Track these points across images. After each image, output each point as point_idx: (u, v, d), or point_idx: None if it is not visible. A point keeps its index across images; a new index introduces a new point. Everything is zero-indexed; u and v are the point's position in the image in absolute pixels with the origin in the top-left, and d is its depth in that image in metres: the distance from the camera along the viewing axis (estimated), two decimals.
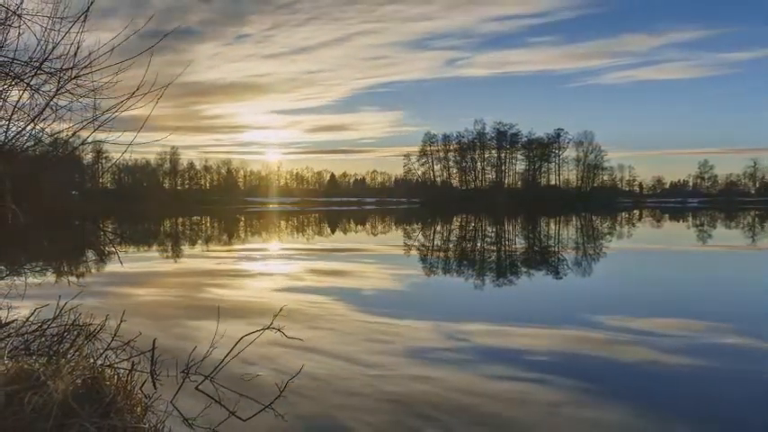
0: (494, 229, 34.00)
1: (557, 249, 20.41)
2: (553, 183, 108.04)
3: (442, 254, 19.57)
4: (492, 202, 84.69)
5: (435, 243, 24.91)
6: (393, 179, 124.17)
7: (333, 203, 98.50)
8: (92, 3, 4.64)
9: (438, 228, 36.50)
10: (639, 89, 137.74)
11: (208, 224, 42.37)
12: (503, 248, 21.68)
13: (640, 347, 6.74)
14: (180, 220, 47.55)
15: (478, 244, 23.96)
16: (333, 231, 32.98)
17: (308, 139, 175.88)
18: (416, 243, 24.60)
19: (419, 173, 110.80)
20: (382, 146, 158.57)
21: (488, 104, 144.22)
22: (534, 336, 7.37)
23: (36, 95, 5.14)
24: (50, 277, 12.62)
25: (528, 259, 17.44)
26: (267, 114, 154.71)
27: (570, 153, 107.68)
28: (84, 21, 4.73)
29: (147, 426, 3.13)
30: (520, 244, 24.10)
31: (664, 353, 6.49)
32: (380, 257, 17.93)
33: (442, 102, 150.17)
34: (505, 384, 5.50)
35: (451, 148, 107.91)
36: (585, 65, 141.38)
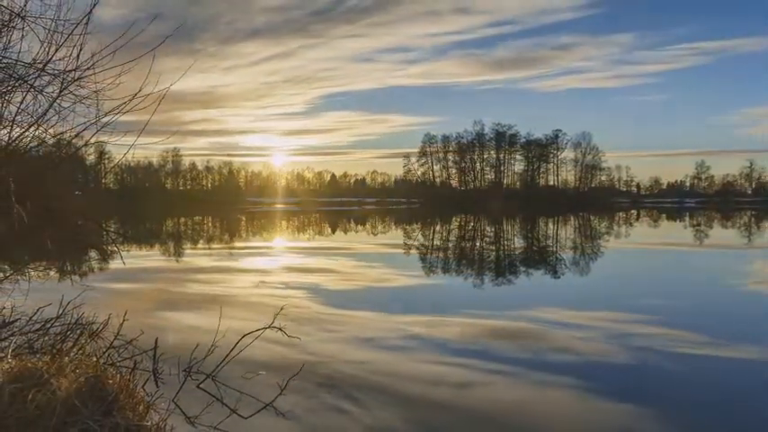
0: (492, 229, 34.00)
1: (554, 249, 20.42)
2: (551, 183, 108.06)
3: (439, 254, 19.58)
4: (491, 203, 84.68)
5: (434, 243, 24.91)
6: (393, 179, 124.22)
7: (333, 204, 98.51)
8: (94, 5, 4.65)
9: (437, 228, 36.50)
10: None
11: (209, 224, 42.38)
12: (501, 248, 21.68)
13: (554, 335, 7.32)
14: (182, 220, 47.55)
15: (477, 243, 23.96)
16: (333, 231, 32.99)
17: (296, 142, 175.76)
18: (415, 243, 24.60)
19: (419, 173, 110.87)
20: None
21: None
22: (474, 325, 7.69)
23: (39, 97, 5.15)
24: (54, 277, 12.63)
25: (526, 259, 17.45)
26: (256, 119, 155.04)
27: (568, 154, 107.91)
28: (87, 23, 4.74)
29: (149, 424, 3.14)
30: (518, 244, 24.11)
31: (572, 341, 6.97)
32: (380, 257, 17.94)
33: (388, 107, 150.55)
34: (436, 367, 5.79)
35: (451, 148, 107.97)
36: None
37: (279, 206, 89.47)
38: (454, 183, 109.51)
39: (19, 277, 9.71)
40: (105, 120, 5.02)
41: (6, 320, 5.75)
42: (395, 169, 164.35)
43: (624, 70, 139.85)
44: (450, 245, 23.64)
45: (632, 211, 66.10)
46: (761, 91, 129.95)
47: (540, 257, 17.77)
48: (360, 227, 37.12)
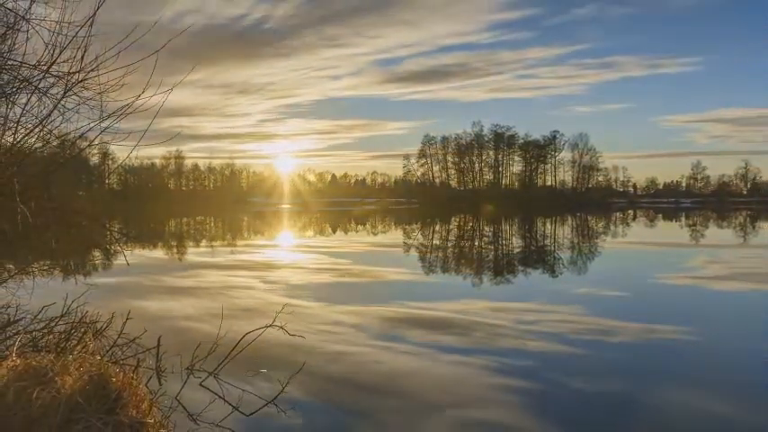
0: (490, 229, 34.00)
1: (552, 249, 20.42)
2: (549, 183, 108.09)
3: (438, 253, 19.58)
4: (489, 203, 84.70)
5: (433, 243, 24.91)
6: (393, 180, 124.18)
7: (334, 204, 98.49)
8: (98, 7, 4.64)
9: (436, 228, 36.50)
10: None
11: (211, 224, 42.37)
12: (500, 248, 21.68)
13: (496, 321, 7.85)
14: (184, 219, 47.54)
15: (475, 243, 23.96)
16: (334, 231, 32.98)
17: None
18: (415, 242, 24.61)
19: (418, 174, 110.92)
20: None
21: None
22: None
23: (44, 98, 5.14)
24: (58, 276, 12.63)
25: (524, 259, 17.45)
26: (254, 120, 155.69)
27: (566, 155, 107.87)
28: (91, 25, 4.73)
29: (152, 421, 3.13)
30: (515, 244, 24.11)
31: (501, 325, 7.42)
32: (380, 257, 17.95)
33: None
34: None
35: (450, 149, 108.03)
36: None
37: (280, 206, 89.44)
38: (453, 183, 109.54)
39: (23, 276, 9.71)
40: (109, 121, 5.01)
41: (11, 319, 5.75)
42: (395, 170, 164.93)
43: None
44: (450, 244, 23.64)
45: (629, 212, 66.09)
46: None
47: (537, 257, 17.78)
48: (360, 227, 37.12)
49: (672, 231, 31.94)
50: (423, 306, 9.19)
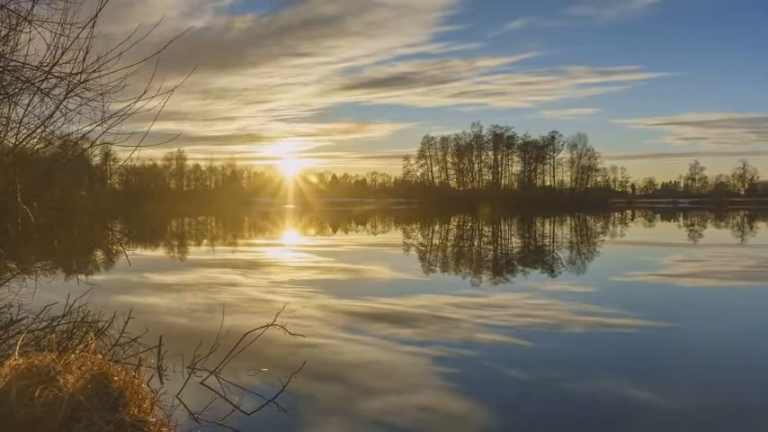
0: (489, 229, 34.00)
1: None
2: (548, 184, 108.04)
3: (438, 253, 19.58)
4: (489, 203, 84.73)
5: (433, 242, 24.91)
6: (393, 180, 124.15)
7: (334, 204, 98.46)
8: (100, 9, 4.65)
9: (436, 228, 36.49)
10: None
11: (213, 224, 42.37)
12: (499, 248, 21.69)
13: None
14: (186, 219, 47.53)
15: (474, 243, 23.97)
16: (334, 230, 32.98)
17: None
18: (414, 242, 24.61)
19: (418, 174, 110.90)
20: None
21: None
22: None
23: (46, 99, 5.14)
24: (60, 276, 12.62)
25: (522, 258, 17.46)
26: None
27: (564, 155, 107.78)
28: (93, 26, 4.74)
29: (153, 420, 3.13)
30: (514, 244, 24.12)
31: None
32: (381, 256, 17.94)
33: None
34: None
35: (449, 150, 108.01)
36: None
37: (281, 206, 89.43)
38: (453, 183, 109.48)
39: (26, 276, 9.70)
40: (111, 122, 5.02)
41: (13, 318, 5.75)
42: (395, 170, 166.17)
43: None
44: (449, 244, 23.64)
45: (627, 212, 66.08)
46: None
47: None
48: (360, 226, 37.11)
49: (667, 231, 31.95)
50: (394, 302, 9.46)
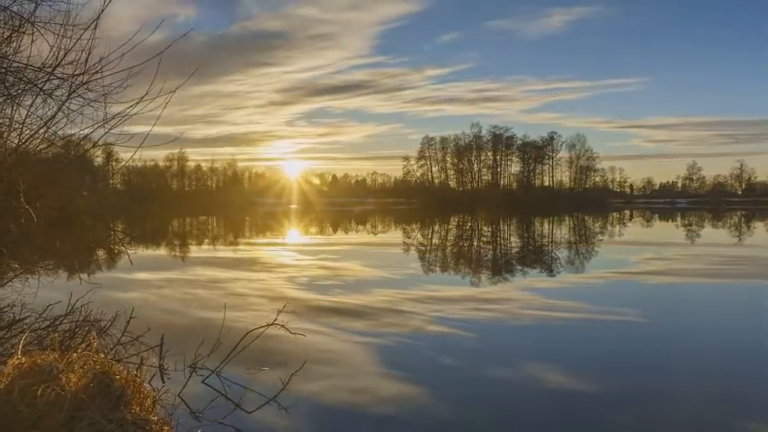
0: (488, 229, 34.00)
1: (549, 248, 20.43)
2: (547, 184, 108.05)
3: (437, 252, 19.58)
4: (488, 203, 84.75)
5: (432, 242, 24.91)
6: (393, 180, 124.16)
7: (335, 204, 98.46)
8: (102, 10, 4.65)
9: (435, 227, 36.48)
10: None
11: (214, 224, 42.36)
12: (498, 248, 21.69)
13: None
14: (187, 219, 47.52)
15: (474, 243, 23.97)
16: (335, 230, 32.98)
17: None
18: (414, 242, 24.61)
19: (417, 174, 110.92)
20: None
21: None
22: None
23: (48, 100, 5.14)
24: (62, 275, 12.63)
25: (521, 258, 17.46)
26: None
27: (563, 155, 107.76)
28: (95, 28, 4.73)
29: (155, 418, 3.13)
30: (512, 244, 24.12)
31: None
32: (381, 255, 17.93)
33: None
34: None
35: (449, 150, 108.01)
36: None
37: (282, 206, 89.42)
38: (452, 183, 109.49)
39: (28, 275, 9.70)
40: (112, 122, 5.01)
41: (16, 317, 5.75)
42: (395, 171, 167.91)
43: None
44: (448, 244, 23.64)
45: (625, 212, 66.06)
46: None
47: (535, 257, 17.80)
48: (360, 226, 37.11)
49: (664, 231, 31.94)
50: (359, 297, 9.80)
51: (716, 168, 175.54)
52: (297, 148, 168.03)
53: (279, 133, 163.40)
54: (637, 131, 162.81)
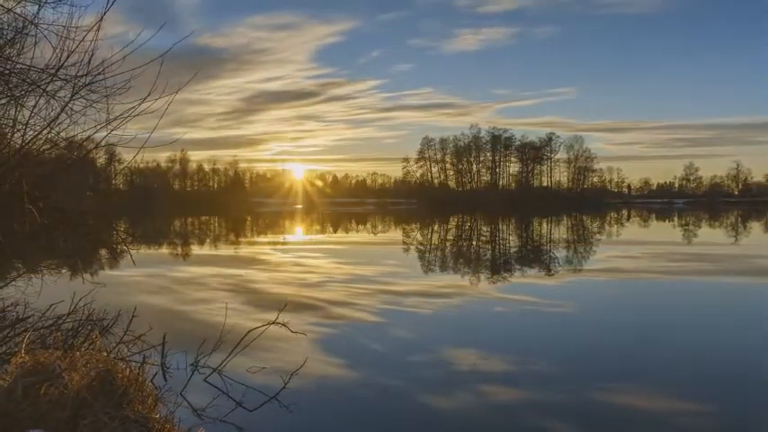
0: (487, 229, 33.99)
1: (548, 248, 20.43)
2: (545, 184, 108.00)
3: (437, 252, 19.58)
4: (487, 203, 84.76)
5: (432, 242, 24.90)
6: (393, 180, 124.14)
7: (335, 204, 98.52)
8: (105, 12, 4.64)
9: (435, 227, 36.48)
10: None
11: (216, 224, 42.35)
12: (497, 247, 21.69)
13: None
14: (189, 219, 47.52)
15: (473, 243, 23.97)
16: (335, 230, 32.97)
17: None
18: (414, 241, 24.61)
19: (417, 175, 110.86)
20: None
21: None
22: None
23: (52, 101, 5.13)
24: (65, 275, 12.62)
25: (520, 258, 17.46)
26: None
27: (561, 156, 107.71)
28: (98, 29, 4.73)
29: (158, 416, 3.13)
30: (511, 244, 24.12)
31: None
32: (381, 255, 17.93)
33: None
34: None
35: (448, 151, 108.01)
36: None
37: (283, 206, 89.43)
38: (451, 184, 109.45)
39: (32, 275, 9.71)
40: (115, 123, 5.01)
41: (20, 316, 5.75)
42: (394, 171, 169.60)
43: None
44: (448, 244, 23.64)
45: (623, 212, 66.06)
46: None
47: (533, 256, 17.80)
48: (361, 226, 37.10)
49: (655, 231, 31.95)
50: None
51: (713, 169, 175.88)
52: (277, 150, 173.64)
53: (257, 137, 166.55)
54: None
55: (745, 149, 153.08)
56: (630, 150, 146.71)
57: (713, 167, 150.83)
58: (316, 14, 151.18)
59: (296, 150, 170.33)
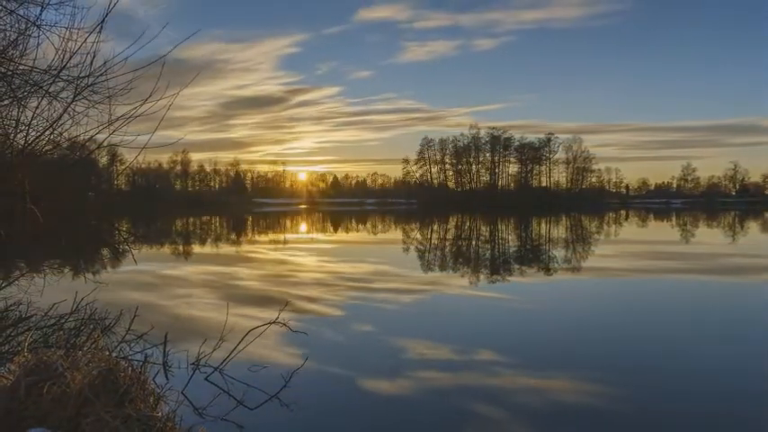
0: (487, 229, 34.00)
1: (546, 248, 20.43)
2: (544, 184, 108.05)
3: (437, 252, 19.58)
4: (486, 203, 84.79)
5: (432, 242, 24.91)
6: (393, 181, 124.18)
7: (336, 204, 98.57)
8: (108, 13, 4.64)
9: (434, 227, 36.49)
10: None
11: (217, 224, 42.36)
12: (496, 247, 21.69)
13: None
14: (190, 219, 47.53)
15: (473, 243, 23.98)
16: (336, 230, 32.98)
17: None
18: (414, 241, 24.61)
19: (417, 175, 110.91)
20: None
21: None
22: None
23: (54, 102, 5.14)
24: (68, 274, 12.62)
25: (519, 258, 17.46)
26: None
27: (560, 156, 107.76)
28: (101, 31, 4.73)
29: (159, 415, 3.13)
30: (510, 244, 24.14)
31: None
32: (381, 254, 17.93)
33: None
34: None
35: (448, 152, 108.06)
36: None
37: (284, 206, 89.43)
38: (451, 184, 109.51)
39: (35, 275, 9.72)
40: (117, 124, 5.01)
41: (23, 316, 5.75)
42: (394, 171, 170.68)
43: None
44: (447, 244, 23.64)
45: (621, 212, 66.06)
46: None
47: (533, 256, 17.80)
48: (361, 226, 37.11)
49: (655, 231, 31.95)
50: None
51: (711, 170, 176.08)
52: (263, 152, 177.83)
53: (240, 140, 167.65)
54: None
55: (743, 150, 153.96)
56: (613, 152, 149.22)
57: (711, 168, 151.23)
58: (269, 30, 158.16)
59: (284, 152, 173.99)
